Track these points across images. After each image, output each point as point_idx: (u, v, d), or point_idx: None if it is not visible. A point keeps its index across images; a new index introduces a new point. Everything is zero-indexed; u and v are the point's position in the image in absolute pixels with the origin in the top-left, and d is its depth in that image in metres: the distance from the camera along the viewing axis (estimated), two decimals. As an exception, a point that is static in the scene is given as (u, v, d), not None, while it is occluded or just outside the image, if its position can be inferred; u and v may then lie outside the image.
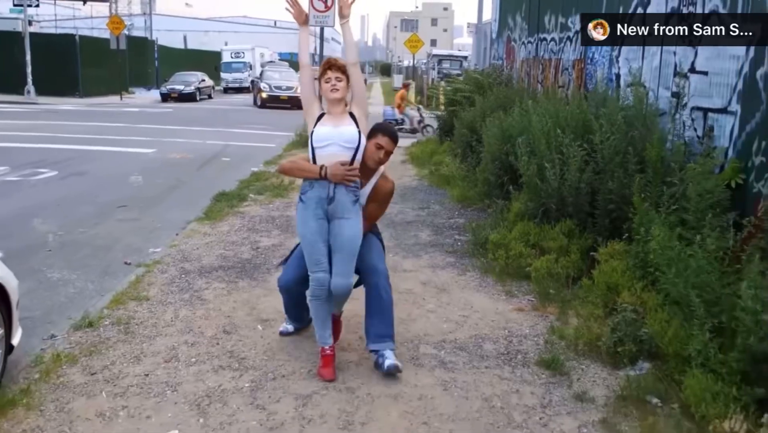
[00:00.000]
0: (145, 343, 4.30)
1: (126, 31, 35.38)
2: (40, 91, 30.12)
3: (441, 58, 39.27)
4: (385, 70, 50.51)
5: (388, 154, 4.03)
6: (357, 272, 4.03)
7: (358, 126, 3.88)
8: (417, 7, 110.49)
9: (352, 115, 3.90)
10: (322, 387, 3.75)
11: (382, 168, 4.12)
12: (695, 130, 5.95)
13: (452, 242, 6.88)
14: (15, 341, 3.88)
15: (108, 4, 52.53)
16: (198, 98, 34.06)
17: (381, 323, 3.99)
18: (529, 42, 13.41)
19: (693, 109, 5.97)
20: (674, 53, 6.44)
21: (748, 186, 4.98)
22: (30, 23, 32.77)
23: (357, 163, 3.86)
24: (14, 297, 3.82)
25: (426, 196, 9.32)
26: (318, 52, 16.17)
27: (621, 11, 7.94)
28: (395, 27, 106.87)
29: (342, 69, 3.88)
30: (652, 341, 3.85)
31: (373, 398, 3.64)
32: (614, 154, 5.62)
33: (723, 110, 5.50)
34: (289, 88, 29.01)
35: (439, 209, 8.45)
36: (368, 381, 3.85)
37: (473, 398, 3.65)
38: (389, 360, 3.89)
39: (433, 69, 37.49)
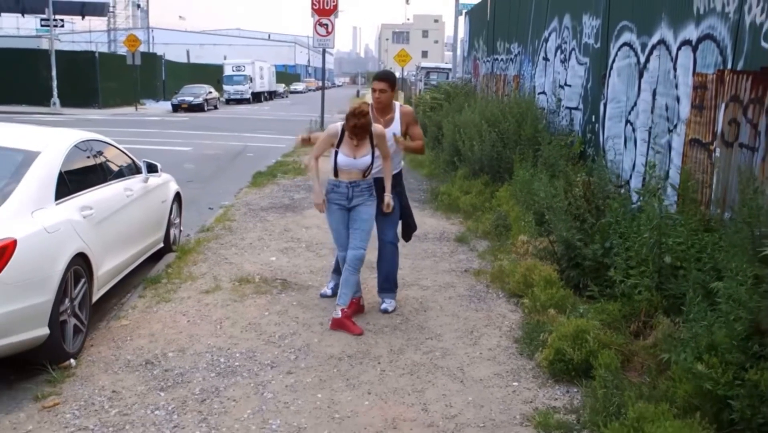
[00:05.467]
0: (243, 234, 7.90)
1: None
2: (64, 103, 32.98)
3: (429, 71, 42.56)
4: (377, 81, 53.05)
5: (380, 91, 5.28)
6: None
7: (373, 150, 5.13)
8: (408, 19, 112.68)
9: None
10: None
11: (397, 104, 5.43)
12: (566, 121, 9.62)
13: (419, 196, 10.50)
14: (182, 227, 7.52)
15: (105, 18, 55.27)
16: (206, 108, 36.65)
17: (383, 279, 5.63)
18: (487, 61, 17.08)
19: (565, 108, 9.64)
20: (559, 73, 10.12)
21: (585, 151, 8.65)
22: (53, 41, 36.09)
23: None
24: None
25: (404, 174, 12.96)
26: (322, 67, 19.90)
27: (537, 43, 11.65)
28: (387, 39, 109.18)
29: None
30: (511, 224, 7.47)
31: (367, 249, 7.26)
32: (512, 135, 9.28)
33: (576, 108, 9.16)
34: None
35: (412, 181, 12.05)
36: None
37: (417, 249, 7.26)
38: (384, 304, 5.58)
39: (420, 81, 41.00)
